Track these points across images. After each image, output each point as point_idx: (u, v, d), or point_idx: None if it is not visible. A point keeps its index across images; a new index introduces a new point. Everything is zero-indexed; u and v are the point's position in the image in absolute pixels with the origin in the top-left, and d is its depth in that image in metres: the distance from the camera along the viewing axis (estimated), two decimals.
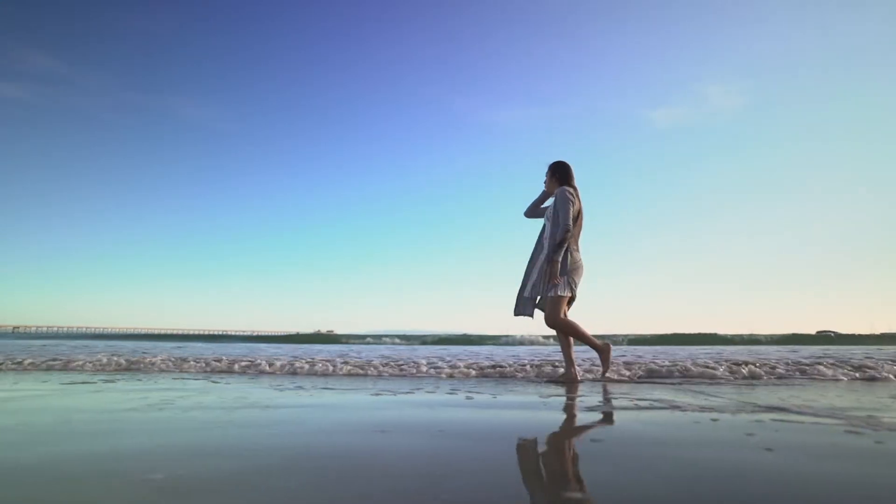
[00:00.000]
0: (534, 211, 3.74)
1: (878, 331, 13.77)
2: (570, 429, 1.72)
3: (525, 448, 1.37)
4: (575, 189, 3.51)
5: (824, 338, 13.51)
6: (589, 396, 2.52)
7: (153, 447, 1.36)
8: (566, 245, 3.36)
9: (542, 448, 1.38)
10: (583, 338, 3.38)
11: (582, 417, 1.94)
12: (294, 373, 3.91)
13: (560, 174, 3.59)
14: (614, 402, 2.27)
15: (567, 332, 3.38)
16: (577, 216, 3.44)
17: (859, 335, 13.38)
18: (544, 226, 3.57)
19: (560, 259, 3.34)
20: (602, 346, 3.45)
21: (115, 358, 4.59)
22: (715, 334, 14.91)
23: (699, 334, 14.96)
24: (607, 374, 3.45)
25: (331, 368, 3.98)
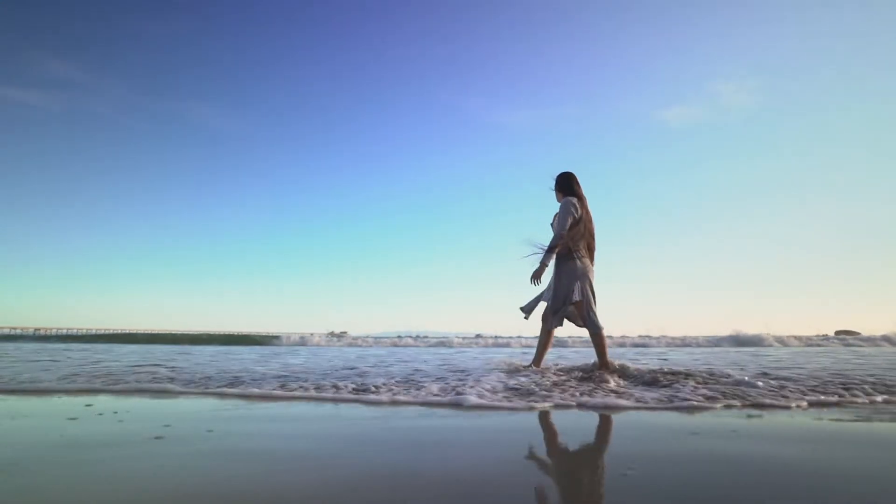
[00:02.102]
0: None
1: None
2: None
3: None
4: (580, 198, 3.63)
5: None
6: None
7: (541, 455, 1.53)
8: (556, 249, 3.50)
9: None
10: (604, 349, 3.46)
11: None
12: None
13: (562, 185, 3.73)
14: None
15: (601, 340, 3.47)
16: (578, 224, 3.54)
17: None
18: None
19: (548, 262, 3.49)
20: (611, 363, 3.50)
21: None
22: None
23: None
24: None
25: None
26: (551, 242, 3.53)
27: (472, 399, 2.43)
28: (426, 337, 22.57)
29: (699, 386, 2.71)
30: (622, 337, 17.58)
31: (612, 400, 2.42)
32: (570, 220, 3.51)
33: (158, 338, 17.61)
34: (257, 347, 11.24)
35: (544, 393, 2.58)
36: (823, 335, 17.10)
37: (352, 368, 4.35)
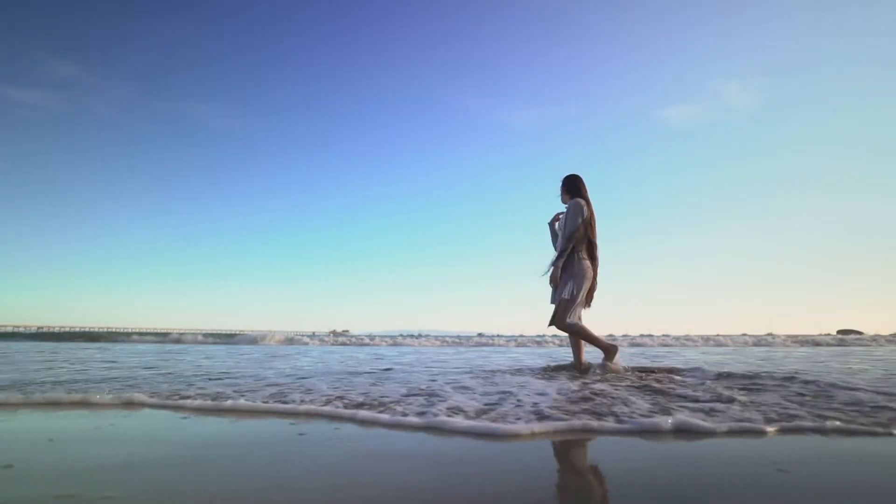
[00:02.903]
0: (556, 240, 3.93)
1: None
2: None
3: None
4: (587, 201, 3.72)
5: None
6: None
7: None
8: (567, 252, 3.60)
9: None
10: (591, 340, 3.58)
11: None
12: None
13: (570, 187, 3.82)
14: None
15: (578, 335, 3.60)
16: (584, 225, 3.62)
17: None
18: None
19: (560, 265, 3.60)
20: (609, 346, 3.61)
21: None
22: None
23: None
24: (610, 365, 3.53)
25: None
26: (560, 245, 3.64)
27: (610, 424, 2.50)
28: (428, 336, 22.60)
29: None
30: (624, 335, 17.74)
31: (728, 425, 2.47)
32: (579, 221, 3.60)
33: (148, 336, 17.54)
34: (259, 347, 11.24)
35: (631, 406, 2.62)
36: (826, 334, 17.35)
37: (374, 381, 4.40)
